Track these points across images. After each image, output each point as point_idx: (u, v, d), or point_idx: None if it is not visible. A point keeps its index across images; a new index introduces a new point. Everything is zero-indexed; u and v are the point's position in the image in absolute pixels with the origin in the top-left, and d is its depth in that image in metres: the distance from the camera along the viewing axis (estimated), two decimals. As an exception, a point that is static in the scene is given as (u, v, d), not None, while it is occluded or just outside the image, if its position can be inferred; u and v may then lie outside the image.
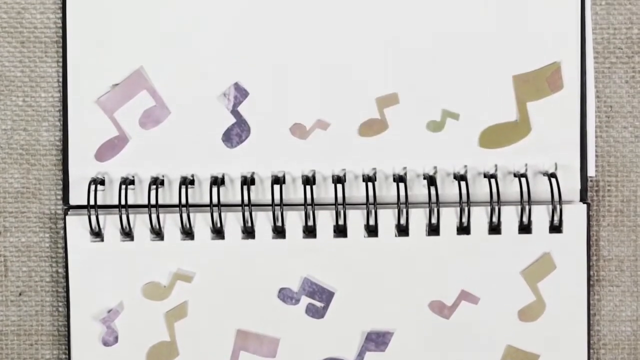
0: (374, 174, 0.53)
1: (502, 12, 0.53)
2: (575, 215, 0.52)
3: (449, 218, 0.52)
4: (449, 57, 0.53)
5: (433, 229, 0.52)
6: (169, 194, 0.53)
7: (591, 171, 0.53)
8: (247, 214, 0.52)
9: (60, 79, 0.53)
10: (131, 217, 0.52)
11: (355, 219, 0.52)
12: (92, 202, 0.52)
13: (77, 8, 0.52)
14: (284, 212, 0.52)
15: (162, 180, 0.53)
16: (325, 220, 0.52)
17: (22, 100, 0.53)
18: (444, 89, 0.53)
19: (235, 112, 0.53)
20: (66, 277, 0.52)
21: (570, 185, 0.53)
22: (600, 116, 0.54)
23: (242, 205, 0.52)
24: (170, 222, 0.52)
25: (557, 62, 0.53)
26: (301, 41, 0.53)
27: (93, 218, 0.52)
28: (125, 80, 0.53)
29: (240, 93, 0.53)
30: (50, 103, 0.53)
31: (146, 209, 0.52)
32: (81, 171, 0.53)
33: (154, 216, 0.52)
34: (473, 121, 0.53)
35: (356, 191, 0.53)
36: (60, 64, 0.53)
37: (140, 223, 0.52)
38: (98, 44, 0.52)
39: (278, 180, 0.53)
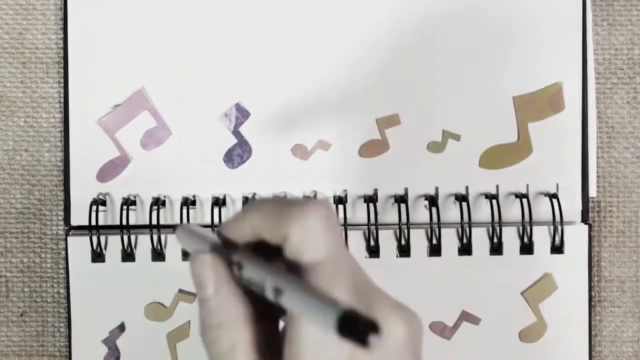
0: (375, 195, 0.53)
1: (504, 33, 0.53)
2: (576, 235, 0.52)
3: (450, 239, 0.52)
4: (450, 78, 0.53)
5: (434, 250, 0.52)
6: (170, 214, 0.53)
7: (592, 192, 0.53)
8: (248, 234, 0.52)
9: (62, 100, 0.53)
10: (132, 237, 0.52)
11: (357, 240, 0.52)
12: (93, 223, 0.52)
13: (78, 29, 0.52)
14: (286, 233, 0.52)
15: (164, 201, 0.53)
16: (326, 240, 0.52)
17: (24, 120, 0.53)
18: (445, 110, 0.53)
19: (236, 132, 0.53)
20: (67, 298, 0.52)
21: (572, 205, 0.53)
22: (601, 137, 0.54)
23: (243, 225, 0.52)
24: (172, 243, 0.52)
25: (558, 82, 0.53)
26: (302, 62, 0.53)
27: (94, 239, 0.52)
28: (126, 100, 0.53)
29: (242, 114, 0.53)
30: (52, 124, 0.53)
31: (147, 230, 0.52)
32: (83, 192, 0.53)
33: (155, 237, 0.52)
34: (474, 142, 0.53)
35: (357, 212, 0.53)
36: (62, 85, 0.53)
37: (141, 244, 0.52)
38: (99, 64, 0.53)
39: (279, 201, 0.53)
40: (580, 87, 0.53)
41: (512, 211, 0.53)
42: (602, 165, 0.54)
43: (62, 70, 0.53)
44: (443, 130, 0.53)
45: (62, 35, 0.53)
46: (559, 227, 0.52)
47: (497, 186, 0.53)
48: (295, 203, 0.32)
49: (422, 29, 0.53)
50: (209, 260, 0.33)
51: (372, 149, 0.53)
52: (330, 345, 0.31)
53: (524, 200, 0.52)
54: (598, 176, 0.54)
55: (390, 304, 0.34)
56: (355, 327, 0.27)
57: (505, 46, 0.53)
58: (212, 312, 0.33)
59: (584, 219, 0.53)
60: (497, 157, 0.53)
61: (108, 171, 0.53)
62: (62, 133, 0.53)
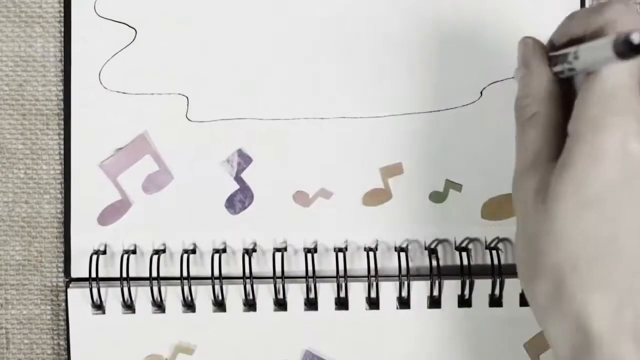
0: (376, 245, 0.53)
1: (505, 87, 0.52)
2: (577, 287, 0.52)
3: (450, 290, 0.52)
4: (454, 129, 0.53)
5: (434, 301, 0.52)
6: (171, 262, 0.53)
7: (593, 243, 0.53)
8: (248, 286, 0.52)
9: (62, 152, 0.53)
10: (132, 289, 0.52)
11: (357, 291, 0.52)
12: (93, 275, 0.52)
13: (79, 79, 0.53)
14: (286, 285, 0.52)
15: (164, 249, 0.53)
16: (326, 292, 0.52)
17: (24, 172, 0.53)
18: (448, 160, 0.53)
19: (238, 178, 0.53)
20: (68, 350, 0.52)
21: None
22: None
23: (243, 277, 0.52)
24: (172, 294, 0.52)
25: (560, 134, 0.53)
26: (306, 110, 0.53)
27: (95, 291, 0.52)
28: (129, 144, 0.53)
29: (244, 159, 0.53)
30: (52, 175, 0.53)
31: (148, 281, 0.52)
32: (83, 236, 0.53)
33: (155, 289, 0.52)
34: (476, 192, 0.53)
35: (358, 262, 0.53)
36: (62, 137, 0.53)
37: (141, 295, 0.52)
38: (102, 108, 0.53)
39: (279, 251, 0.53)
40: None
41: (512, 262, 0.53)
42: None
43: (62, 122, 0.53)
44: (445, 180, 0.53)
45: (62, 87, 0.53)
46: (560, 278, 0.52)
47: (498, 237, 0.53)
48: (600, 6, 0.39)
49: (425, 81, 0.53)
50: (530, 42, 0.41)
51: (375, 197, 0.53)
52: (620, 96, 0.37)
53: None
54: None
55: None
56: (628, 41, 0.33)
57: (508, 97, 0.52)
58: (524, 85, 0.41)
59: (585, 270, 0.53)
60: (498, 208, 0.53)
61: (109, 214, 0.53)
62: (62, 185, 0.53)
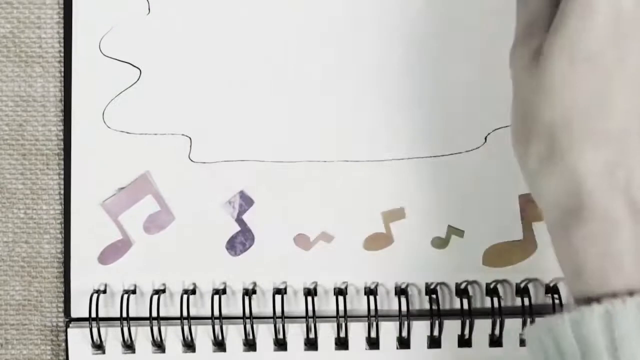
0: (376, 286, 0.53)
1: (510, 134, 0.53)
2: (577, 327, 0.52)
3: (450, 330, 0.52)
4: (456, 174, 0.53)
5: (434, 341, 0.52)
6: (171, 302, 0.53)
7: (593, 283, 0.53)
8: (248, 326, 0.52)
9: (62, 192, 0.53)
10: (133, 329, 0.52)
11: (357, 331, 0.52)
12: (93, 315, 0.52)
13: (81, 118, 0.52)
14: (286, 324, 0.52)
15: (164, 289, 0.53)
16: (326, 332, 0.52)
17: (24, 212, 0.53)
18: (451, 205, 0.53)
19: (240, 220, 0.53)
20: (68, 390, 0.53)
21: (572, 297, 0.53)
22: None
23: (243, 317, 0.52)
24: (172, 334, 0.52)
25: (562, 183, 0.53)
26: (308, 153, 0.53)
27: (95, 330, 0.52)
28: (131, 184, 0.53)
29: (246, 201, 0.53)
30: (52, 215, 0.53)
31: (148, 321, 0.52)
32: (83, 276, 0.53)
33: (155, 329, 0.52)
34: (478, 239, 0.53)
35: (357, 303, 0.53)
36: (62, 177, 0.53)
37: (141, 335, 0.52)
38: (104, 147, 0.53)
39: (280, 292, 0.53)
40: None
41: (513, 303, 0.53)
42: (603, 256, 0.54)
43: (62, 162, 0.53)
44: (448, 226, 0.53)
45: (62, 127, 0.53)
46: (560, 318, 0.52)
47: (497, 280, 0.53)
48: None
49: (429, 126, 0.53)
50: None
51: (376, 242, 0.53)
52: None
53: (525, 295, 0.52)
54: (598, 267, 0.53)
55: None
56: None
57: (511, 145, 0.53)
58: None
59: (585, 310, 0.53)
60: (500, 255, 0.53)
61: (110, 254, 0.53)
62: (62, 224, 0.53)
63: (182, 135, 0.53)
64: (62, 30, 0.53)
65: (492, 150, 0.53)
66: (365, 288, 0.53)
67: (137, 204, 0.53)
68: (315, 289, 0.53)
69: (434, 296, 0.52)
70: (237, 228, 0.53)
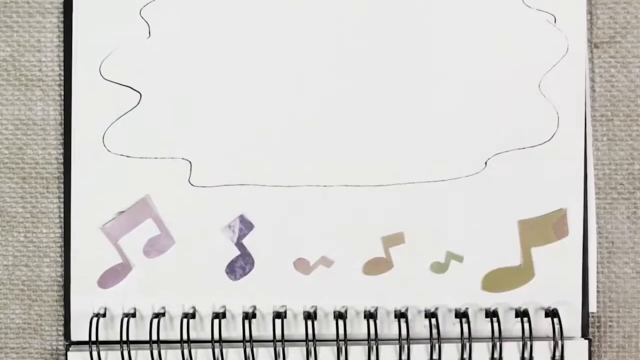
0: (376, 311, 0.53)
1: (510, 159, 0.53)
2: (576, 351, 0.52)
3: (450, 353, 0.52)
4: (456, 199, 0.53)
5: (434, 365, 0.53)
6: (171, 326, 0.53)
7: (592, 307, 0.53)
8: (248, 349, 0.52)
9: (62, 215, 0.53)
10: (132, 352, 0.52)
11: (357, 355, 0.52)
12: (93, 338, 0.52)
13: (81, 142, 0.52)
14: (286, 348, 0.52)
15: (164, 313, 0.53)
16: (326, 356, 0.52)
17: (24, 236, 0.53)
18: (450, 231, 0.53)
19: (239, 244, 0.53)
20: (67, 414, 0.53)
21: (572, 320, 0.53)
22: (601, 252, 0.54)
23: (243, 341, 0.52)
24: (172, 358, 0.52)
25: (563, 208, 0.53)
26: (308, 177, 0.53)
27: (94, 354, 0.52)
28: (131, 207, 0.53)
29: (245, 226, 0.53)
30: (52, 239, 0.53)
31: (148, 344, 0.52)
32: (83, 299, 0.53)
33: (155, 352, 0.52)
34: (477, 264, 0.53)
35: (357, 328, 0.53)
36: (62, 200, 0.53)
37: (141, 358, 0.52)
38: (104, 170, 0.53)
39: (279, 315, 0.53)
40: (583, 210, 0.53)
41: (512, 327, 0.53)
42: (602, 280, 0.54)
43: (62, 186, 0.53)
44: (447, 251, 0.53)
45: (62, 151, 0.53)
46: (559, 342, 0.52)
47: (497, 303, 0.53)
48: None
49: (429, 151, 0.53)
50: None
51: (376, 266, 0.53)
52: None
53: (524, 318, 0.52)
54: (598, 291, 0.54)
55: None
56: None
57: (511, 170, 0.53)
58: None
59: (584, 334, 0.53)
60: (499, 281, 0.53)
61: (110, 278, 0.53)
62: (62, 248, 0.53)
63: (182, 159, 0.53)
64: (62, 54, 0.53)
65: (491, 175, 0.53)
66: (365, 312, 0.53)
67: (137, 227, 0.53)
68: (315, 313, 0.53)
69: (433, 320, 0.52)
70: (237, 252, 0.53)
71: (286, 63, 0.52)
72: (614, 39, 0.53)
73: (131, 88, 0.53)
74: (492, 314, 0.53)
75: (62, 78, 0.53)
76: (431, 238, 0.53)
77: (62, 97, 0.53)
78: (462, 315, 0.53)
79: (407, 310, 0.53)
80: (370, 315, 0.53)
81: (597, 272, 0.53)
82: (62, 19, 0.53)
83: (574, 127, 0.53)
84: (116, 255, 0.53)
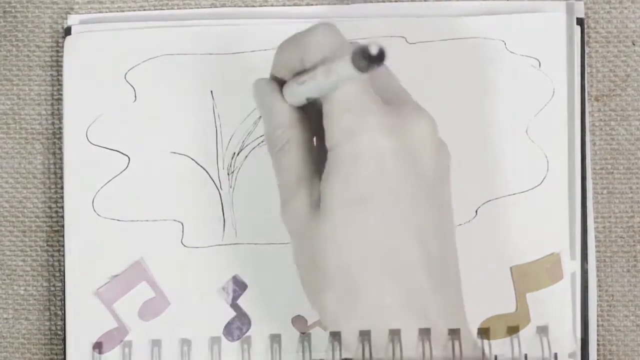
0: (374, 364, 0.53)
1: (500, 205, 0.53)
2: (576, 404, 0.53)
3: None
4: (450, 248, 0.53)
5: (431, 415, 0.53)
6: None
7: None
8: (249, 407, 0.52)
9: (62, 269, 0.53)
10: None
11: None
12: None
13: (72, 206, 0.52)
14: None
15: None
16: (324, 414, 0.53)
17: (24, 289, 0.53)
18: (444, 283, 0.53)
19: (235, 305, 0.53)
20: None
21: (572, 372, 0.53)
22: (601, 305, 0.54)
23: (244, 399, 0.52)
24: None
25: (556, 253, 0.53)
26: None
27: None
28: (124, 271, 0.53)
29: (239, 286, 0.53)
30: (52, 292, 0.53)
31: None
32: (81, 363, 0.53)
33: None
34: (471, 312, 0.52)
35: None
36: (62, 254, 0.53)
37: None
38: (96, 235, 0.52)
39: (278, 375, 0.53)
40: (579, 257, 0.53)
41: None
42: (602, 333, 0.54)
43: (62, 239, 0.53)
44: (441, 300, 0.53)
45: (62, 204, 0.53)
46: (559, 394, 0.52)
47: (496, 356, 0.53)
48: (303, 32, 0.42)
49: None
50: (263, 82, 0.45)
51: (373, 320, 0.53)
52: (358, 100, 0.41)
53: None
54: (598, 344, 0.53)
55: (415, 106, 0.44)
56: (366, 53, 0.35)
57: (502, 216, 0.53)
58: (269, 121, 0.44)
59: (584, 386, 0.53)
60: (494, 328, 0.53)
61: (106, 342, 0.52)
62: (63, 302, 0.53)
63: (174, 220, 0.53)
64: (62, 107, 0.53)
65: (483, 223, 0.53)
66: (363, 365, 0.53)
67: (132, 290, 0.53)
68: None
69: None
70: (233, 313, 0.53)
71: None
72: (614, 92, 0.53)
73: (119, 152, 0.53)
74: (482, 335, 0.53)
75: (63, 131, 0.53)
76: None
77: (62, 151, 0.53)
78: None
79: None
80: (369, 369, 0.53)
81: (597, 325, 0.53)
82: (62, 73, 0.53)
83: (564, 168, 0.53)
84: (111, 320, 0.52)
